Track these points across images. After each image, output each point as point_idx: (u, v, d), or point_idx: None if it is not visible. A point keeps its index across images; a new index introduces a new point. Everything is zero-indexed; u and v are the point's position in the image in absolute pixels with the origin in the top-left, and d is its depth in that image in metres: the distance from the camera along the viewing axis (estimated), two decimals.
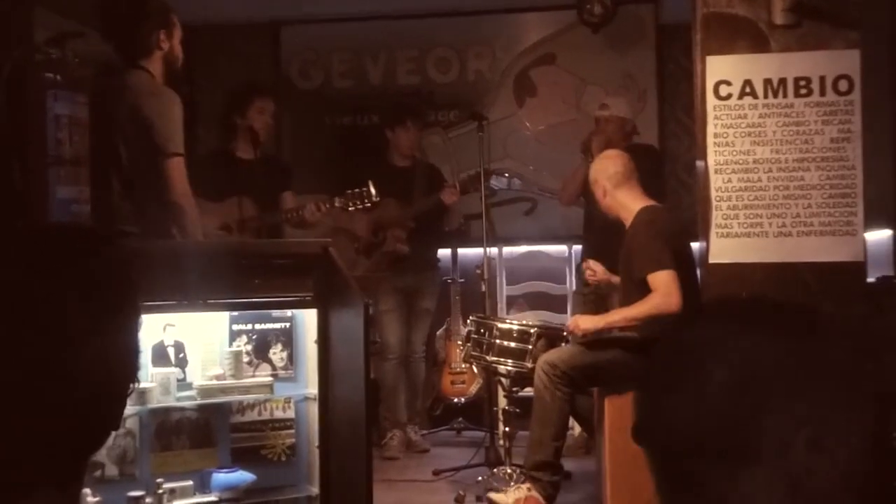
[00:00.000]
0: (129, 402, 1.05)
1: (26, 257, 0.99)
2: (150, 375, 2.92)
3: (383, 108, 5.65)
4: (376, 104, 5.90)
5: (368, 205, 4.22)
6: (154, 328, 2.97)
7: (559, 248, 5.81)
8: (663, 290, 3.41)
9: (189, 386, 3.04)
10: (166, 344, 3.02)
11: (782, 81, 3.34)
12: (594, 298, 4.79)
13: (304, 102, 6.08)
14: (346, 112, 6.08)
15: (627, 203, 3.71)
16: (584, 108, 5.66)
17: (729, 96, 3.39)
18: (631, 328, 3.63)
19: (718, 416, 0.85)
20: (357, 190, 4.22)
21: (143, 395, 2.87)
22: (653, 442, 0.92)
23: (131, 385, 1.04)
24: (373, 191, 4.19)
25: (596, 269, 4.01)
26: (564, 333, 3.96)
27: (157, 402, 2.93)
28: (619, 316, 3.61)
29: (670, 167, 5.72)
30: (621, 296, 3.80)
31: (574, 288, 5.55)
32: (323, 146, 6.05)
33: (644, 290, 3.48)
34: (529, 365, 3.78)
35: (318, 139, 6.08)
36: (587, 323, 3.71)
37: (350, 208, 4.23)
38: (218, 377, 3.05)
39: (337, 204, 4.18)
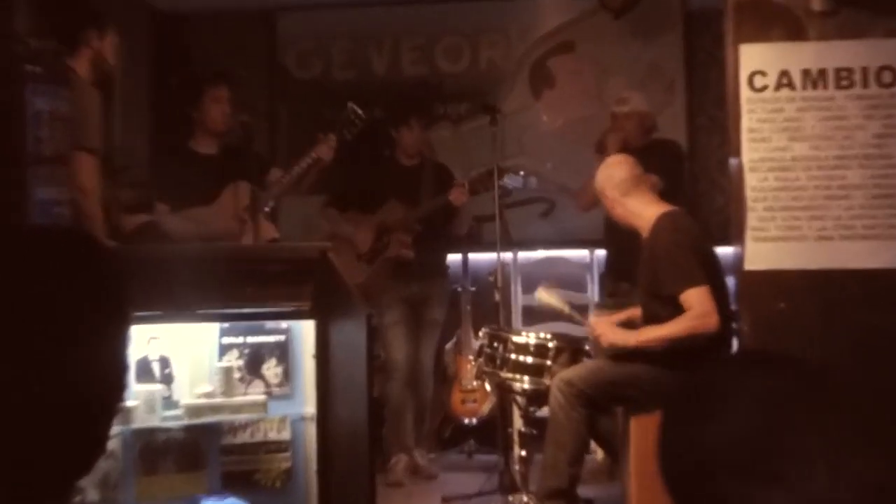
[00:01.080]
0: None
1: (11, 262, 1.00)
2: (133, 393, 2.95)
3: (388, 103, 5.67)
4: (380, 97, 5.92)
5: (360, 125, 4.42)
6: (137, 341, 2.99)
7: (580, 254, 5.81)
8: (699, 309, 3.41)
9: (175, 404, 3.06)
10: (151, 358, 3.04)
11: (822, 72, 3.35)
12: (620, 310, 4.78)
13: (301, 94, 6.11)
14: (347, 105, 6.10)
15: (640, 211, 3.72)
16: (607, 101, 5.66)
17: (764, 88, 3.39)
18: None
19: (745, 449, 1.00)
20: (343, 116, 4.39)
21: (126, 414, 2.90)
22: (674, 469, 1.04)
23: (119, 404, 1.06)
24: (359, 110, 4.35)
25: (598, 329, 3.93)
26: (586, 348, 3.97)
27: (141, 421, 2.95)
28: (650, 335, 3.57)
29: (700, 165, 5.72)
30: (643, 311, 3.81)
31: (597, 298, 5.56)
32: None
33: (672, 306, 3.48)
34: (547, 382, 3.78)
35: (317, 134, 6.10)
36: (615, 336, 3.68)
37: (348, 137, 4.35)
38: (207, 395, 3.07)
39: (331, 137, 4.38)
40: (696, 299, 3.42)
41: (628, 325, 4.01)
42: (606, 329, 3.74)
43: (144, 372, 3.02)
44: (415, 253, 4.96)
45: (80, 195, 3.13)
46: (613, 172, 3.80)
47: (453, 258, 5.39)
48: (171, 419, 3.03)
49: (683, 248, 3.51)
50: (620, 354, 3.70)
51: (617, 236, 4.75)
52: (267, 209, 4.31)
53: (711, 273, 3.51)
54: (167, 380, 3.06)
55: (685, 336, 3.43)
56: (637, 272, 3.91)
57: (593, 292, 5.67)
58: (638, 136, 4.70)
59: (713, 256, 3.64)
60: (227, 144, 4.46)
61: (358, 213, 5.06)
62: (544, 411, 4.01)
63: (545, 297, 4.20)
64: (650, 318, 3.66)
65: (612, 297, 4.75)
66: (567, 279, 5.84)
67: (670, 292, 3.48)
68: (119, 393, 1.06)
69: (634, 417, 3.58)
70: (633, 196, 3.74)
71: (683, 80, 5.84)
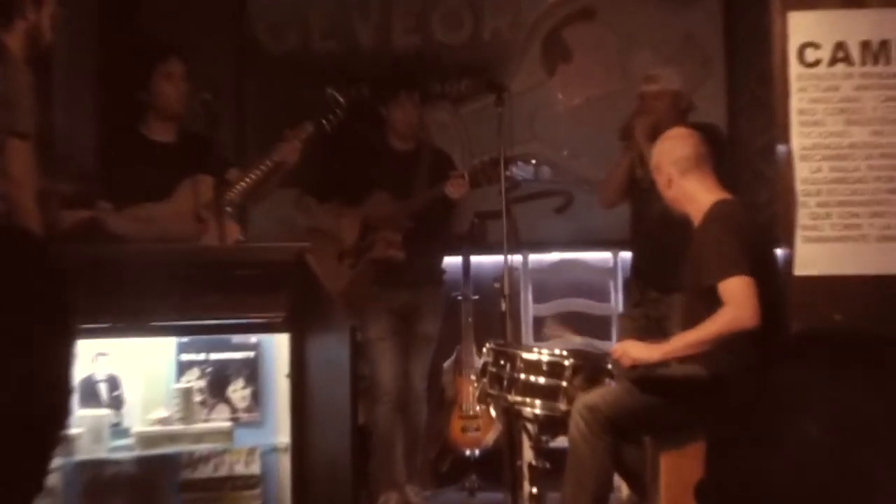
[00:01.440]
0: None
1: None
2: (76, 419, 2.94)
3: (375, 79, 5.67)
4: (367, 72, 5.92)
5: (341, 115, 4.48)
6: (82, 358, 2.98)
7: (602, 256, 5.83)
8: (737, 300, 3.41)
9: (126, 433, 3.07)
10: (97, 378, 3.05)
11: (884, 44, 3.36)
12: (647, 322, 4.79)
13: (274, 70, 6.11)
14: (328, 81, 6.10)
15: (697, 195, 3.73)
16: (633, 78, 5.66)
17: (817, 62, 3.40)
18: (694, 360, 3.62)
19: (810, 475, 0.89)
20: (329, 115, 4.47)
21: (68, 443, 2.89)
22: None
23: (60, 432, 1.06)
24: (339, 98, 4.46)
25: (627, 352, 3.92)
26: (609, 367, 3.97)
27: (86, 452, 2.96)
28: (681, 343, 3.57)
29: (742, 153, 5.72)
30: (686, 317, 3.80)
31: (621, 308, 5.56)
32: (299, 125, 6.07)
33: (710, 301, 3.48)
34: (563, 407, 3.79)
35: (294, 116, 6.09)
36: (639, 351, 3.69)
37: (327, 129, 4.46)
38: (162, 421, 3.07)
39: (300, 133, 4.42)
40: (734, 289, 3.41)
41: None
42: (626, 346, 3.73)
43: (90, 394, 3.02)
44: (405, 254, 4.96)
45: (12, 187, 3.13)
46: (674, 147, 3.81)
47: (451, 261, 5.39)
48: (120, 450, 3.04)
49: (730, 236, 3.51)
50: (649, 379, 3.69)
51: (646, 236, 4.76)
52: (229, 209, 4.31)
53: (763, 272, 3.49)
54: (116, 403, 3.06)
55: (718, 336, 3.42)
56: (668, 278, 3.92)
57: (617, 301, 5.67)
58: (670, 119, 4.68)
59: (769, 255, 3.63)
60: (185, 130, 4.46)
61: (339, 206, 5.05)
62: (559, 441, 4.01)
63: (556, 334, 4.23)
64: (694, 323, 3.64)
65: (638, 307, 4.74)
66: (586, 286, 5.84)
67: (708, 282, 3.48)
68: (61, 419, 1.05)
69: (664, 450, 3.58)
70: (691, 177, 3.74)
71: (723, 54, 5.85)
